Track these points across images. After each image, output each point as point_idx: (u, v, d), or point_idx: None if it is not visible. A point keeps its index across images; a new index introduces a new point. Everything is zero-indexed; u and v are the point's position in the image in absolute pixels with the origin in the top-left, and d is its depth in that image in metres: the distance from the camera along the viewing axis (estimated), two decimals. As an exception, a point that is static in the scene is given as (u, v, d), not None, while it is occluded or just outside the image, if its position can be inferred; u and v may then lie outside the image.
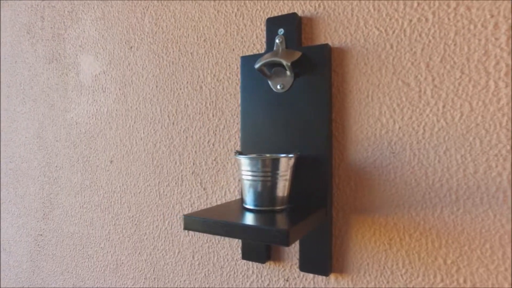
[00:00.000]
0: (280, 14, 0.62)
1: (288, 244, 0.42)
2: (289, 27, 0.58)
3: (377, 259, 0.54)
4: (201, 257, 0.71)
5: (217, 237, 0.69)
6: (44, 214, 0.98)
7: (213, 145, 0.70)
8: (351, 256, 0.56)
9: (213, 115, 0.70)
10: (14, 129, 1.05)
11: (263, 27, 0.64)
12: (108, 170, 0.85)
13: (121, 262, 0.83)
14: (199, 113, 0.71)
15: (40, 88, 0.99)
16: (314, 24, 0.59)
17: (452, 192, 0.49)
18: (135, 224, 0.81)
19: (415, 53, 0.51)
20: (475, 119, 0.48)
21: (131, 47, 0.81)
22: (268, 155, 0.58)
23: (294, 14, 0.58)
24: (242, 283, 0.66)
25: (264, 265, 0.64)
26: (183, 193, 0.74)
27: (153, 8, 0.78)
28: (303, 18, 0.60)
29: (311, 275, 0.59)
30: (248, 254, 0.63)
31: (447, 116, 0.49)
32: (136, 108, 0.81)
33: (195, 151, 0.72)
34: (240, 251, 0.66)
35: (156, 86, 0.77)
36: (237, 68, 0.67)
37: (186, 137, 0.73)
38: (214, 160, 0.69)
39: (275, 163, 0.51)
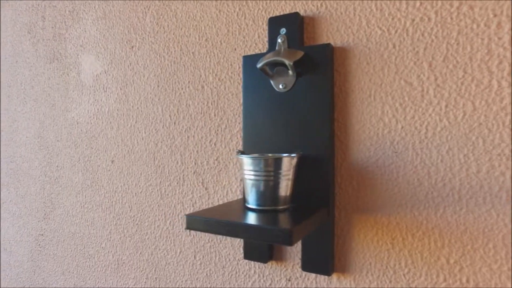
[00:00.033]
0: (282, 13, 0.62)
1: (291, 243, 0.42)
2: (291, 27, 0.58)
3: (380, 259, 0.54)
4: (203, 256, 0.71)
5: (219, 237, 0.69)
6: (45, 214, 0.98)
7: (215, 144, 0.69)
8: (353, 256, 0.56)
9: (215, 115, 0.70)
10: (15, 129, 1.05)
11: (265, 27, 0.64)
12: (109, 170, 0.85)
13: (123, 262, 0.83)
14: (201, 113, 0.71)
15: (41, 87, 0.99)
16: (316, 24, 0.59)
17: (455, 191, 0.49)
18: (137, 224, 0.81)
19: (417, 53, 0.51)
20: (478, 119, 0.48)
21: (132, 47, 0.81)
22: (270, 154, 0.57)
23: (296, 14, 0.58)
24: (244, 283, 0.66)
25: (266, 264, 0.64)
26: (185, 193, 0.73)
27: (154, 8, 0.78)
28: (305, 17, 0.60)
29: (313, 275, 0.59)
30: (250, 253, 0.63)
31: (449, 116, 0.49)
32: (138, 108, 0.80)
33: (197, 151, 0.72)
34: (242, 251, 0.66)
35: (158, 86, 0.77)
36: (239, 67, 0.67)
37: (188, 137, 0.73)
38: (216, 159, 0.69)
39: (278, 162, 0.51)
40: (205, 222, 0.49)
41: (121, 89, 0.83)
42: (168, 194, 0.76)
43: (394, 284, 0.53)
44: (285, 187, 0.52)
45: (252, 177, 0.51)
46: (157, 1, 0.78)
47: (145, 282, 0.79)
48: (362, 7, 0.55)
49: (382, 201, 0.54)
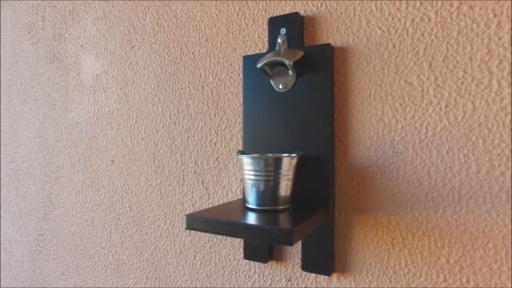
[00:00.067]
0: (282, 13, 0.62)
1: (291, 243, 0.42)
2: (291, 27, 0.58)
3: (380, 259, 0.54)
4: (203, 257, 0.71)
5: (219, 237, 0.69)
6: (45, 214, 0.98)
7: (214, 144, 0.69)
8: (353, 256, 0.56)
9: (215, 115, 0.70)
10: (15, 129, 1.05)
11: (265, 27, 0.64)
12: (109, 170, 0.85)
13: (122, 262, 0.83)
14: (201, 113, 0.71)
15: (41, 87, 0.99)
16: (316, 24, 0.59)
17: (455, 191, 0.49)
18: (137, 224, 0.81)
19: (417, 53, 0.51)
20: (478, 119, 0.48)
21: (132, 47, 0.81)
22: (270, 154, 0.57)
23: (296, 14, 0.58)
24: (244, 283, 0.66)
25: (266, 264, 0.64)
26: (185, 193, 0.73)
27: (154, 8, 0.78)
28: (305, 17, 0.60)
29: (313, 275, 0.59)
30: (250, 253, 0.63)
31: (449, 116, 0.49)
32: (138, 108, 0.80)
33: (197, 151, 0.72)
34: (242, 251, 0.66)
35: (158, 86, 0.77)
36: (239, 67, 0.67)
37: (188, 137, 0.73)
38: (216, 159, 0.69)
39: (278, 162, 0.51)
40: (205, 222, 0.49)
41: (121, 89, 0.83)
42: (168, 194, 0.76)
43: (394, 284, 0.53)
44: (285, 187, 0.52)
45: (252, 177, 0.51)
46: (157, 1, 0.78)
47: (145, 282, 0.79)
48: (362, 7, 0.55)
49: (382, 201, 0.54)
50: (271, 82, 0.59)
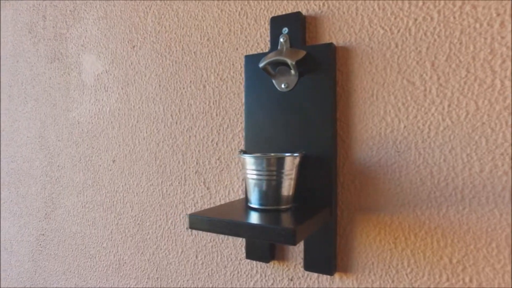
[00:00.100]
0: (284, 13, 0.62)
1: (294, 243, 0.42)
2: (293, 26, 0.58)
3: (382, 258, 0.54)
4: (205, 256, 0.71)
5: (221, 236, 0.69)
6: (46, 214, 0.98)
7: (216, 144, 0.69)
8: (356, 255, 0.56)
9: (216, 114, 0.70)
10: (16, 129, 1.05)
11: (267, 26, 0.64)
12: (110, 170, 0.85)
13: (124, 262, 0.83)
14: (203, 112, 0.71)
15: (42, 87, 0.99)
16: (319, 23, 0.59)
17: (458, 191, 0.49)
18: (138, 223, 0.81)
19: (420, 52, 0.51)
20: (481, 118, 0.48)
21: (134, 46, 0.81)
22: (273, 154, 0.57)
23: (299, 13, 0.58)
24: (246, 283, 0.66)
25: (268, 264, 0.64)
26: (186, 193, 0.73)
27: (156, 7, 0.78)
28: (308, 17, 0.60)
29: (315, 275, 0.59)
30: (252, 253, 0.63)
31: (452, 115, 0.49)
32: (139, 108, 0.80)
33: (199, 151, 0.72)
34: (244, 251, 0.66)
35: (159, 85, 0.77)
36: (241, 67, 0.67)
37: (190, 137, 0.73)
38: (218, 159, 0.69)
39: (281, 162, 0.51)
40: (208, 221, 0.49)
41: (122, 88, 0.83)
42: (169, 194, 0.76)
43: (396, 283, 0.53)
44: (287, 187, 0.52)
45: (255, 176, 0.51)
46: (158, 1, 0.78)
47: (146, 282, 0.79)
48: (364, 6, 0.55)
49: (384, 201, 0.54)
50: (273, 81, 0.59)
